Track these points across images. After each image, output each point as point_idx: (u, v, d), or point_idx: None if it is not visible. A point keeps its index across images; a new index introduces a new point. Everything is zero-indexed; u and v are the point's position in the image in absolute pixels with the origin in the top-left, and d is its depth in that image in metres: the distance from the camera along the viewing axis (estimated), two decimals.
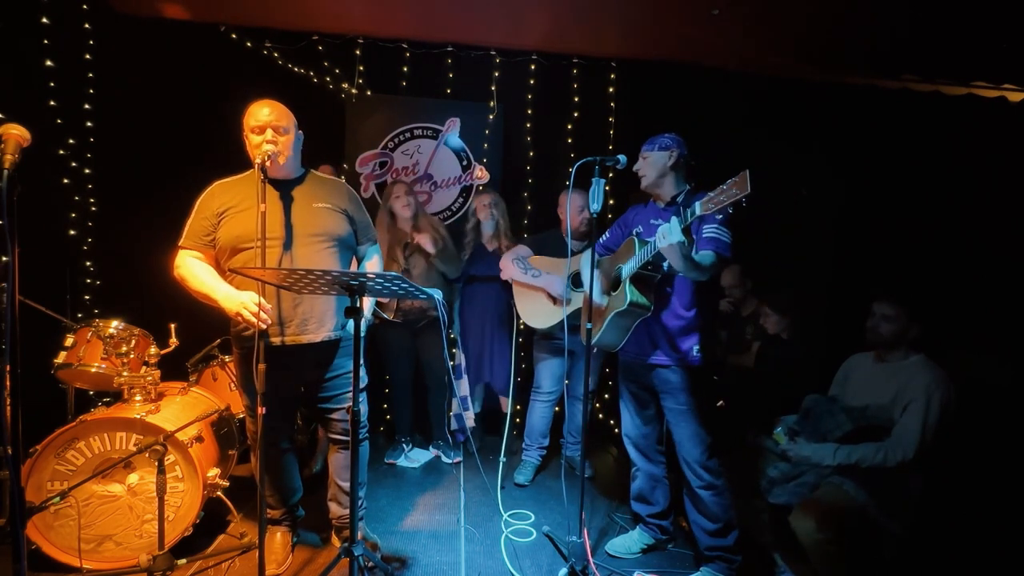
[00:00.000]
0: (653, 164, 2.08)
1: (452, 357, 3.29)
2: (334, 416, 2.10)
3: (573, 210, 2.82)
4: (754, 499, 2.28)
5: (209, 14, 3.19)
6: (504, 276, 2.89)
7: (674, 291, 2.07)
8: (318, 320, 1.97)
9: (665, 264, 1.98)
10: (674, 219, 1.74)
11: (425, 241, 2.90)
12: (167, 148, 3.18)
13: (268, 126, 1.87)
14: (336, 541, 2.29)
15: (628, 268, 2.01)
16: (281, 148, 1.89)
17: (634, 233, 2.17)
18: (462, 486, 2.85)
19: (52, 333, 2.37)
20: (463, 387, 3.23)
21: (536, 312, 2.85)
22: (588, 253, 2.05)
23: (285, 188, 1.96)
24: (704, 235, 1.95)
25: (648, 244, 1.89)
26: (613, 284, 2.13)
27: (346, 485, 2.14)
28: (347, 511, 2.13)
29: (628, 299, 1.96)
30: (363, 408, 2.11)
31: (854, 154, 3.73)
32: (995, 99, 3.79)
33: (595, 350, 2.89)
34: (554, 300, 2.78)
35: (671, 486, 2.35)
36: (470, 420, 3.21)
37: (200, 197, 1.97)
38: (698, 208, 1.70)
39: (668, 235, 1.72)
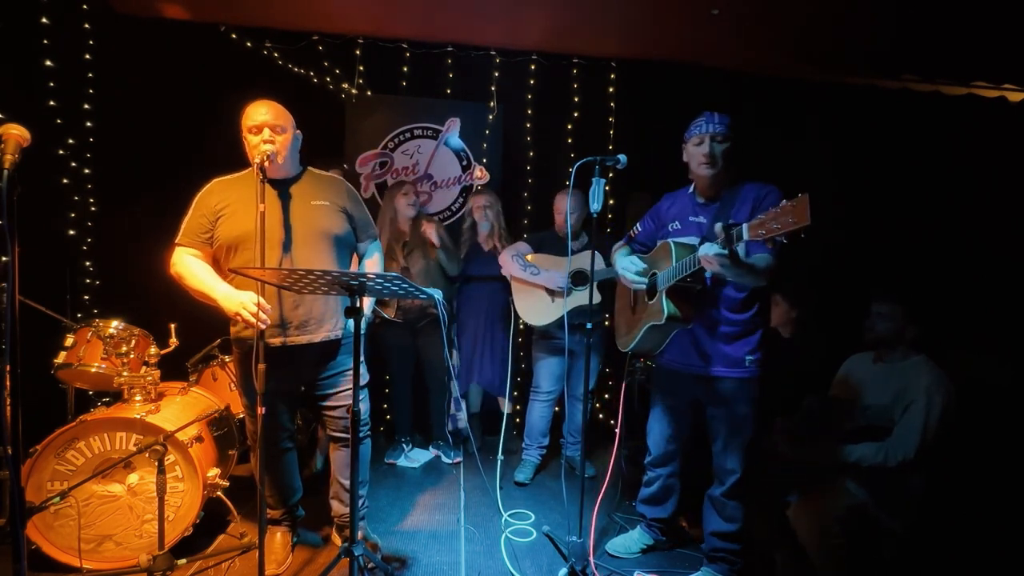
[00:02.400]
0: (726, 155, 1.88)
1: (451, 357, 3.29)
2: (334, 413, 2.10)
3: (564, 211, 2.85)
4: (755, 498, 2.28)
5: (209, 14, 3.19)
6: (504, 272, 2.93)
7: (721, 295, 1.91)
8: (318, 320, 1.97)
9: (708, 275, 1.82)
10: (714, 244, 1.59)
11: (431, 233, 2.90)
12: (167, 148, 3.18)
13: (266, 125, 1.87)
14: (337, 539, 2.29)
15: (665, 278, 1.86)
16: (279, 147, 1.88)
17: (670, 228, 2.04)
18: (462, 486, 2.85)
19: (52, 333, 2.37)
20: (457, 387, 3.23)
21: (534, 309, 2.86)
22: (588, 253, 2.04)
23: (283, 187, 1.96)
24: None
25: (690, 256, 1.73)
26: (649, 291, 2.00)
27: (348, 483, 2.14)
28: (348, 509, 2.13)
29: (666, 313, 1.82)
30: (364, 406, 2.11)
31: (854, 154, 3.73)
32: (995, 99, 3.80)
33: (601, 347, 2.89)
34: (552, 296, 2.79)
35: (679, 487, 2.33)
36: (462, 420, 3.22)
37: (198, 194, 1.97)
38: (745, 232, 1.50)
39: (711, 257, 1.59)
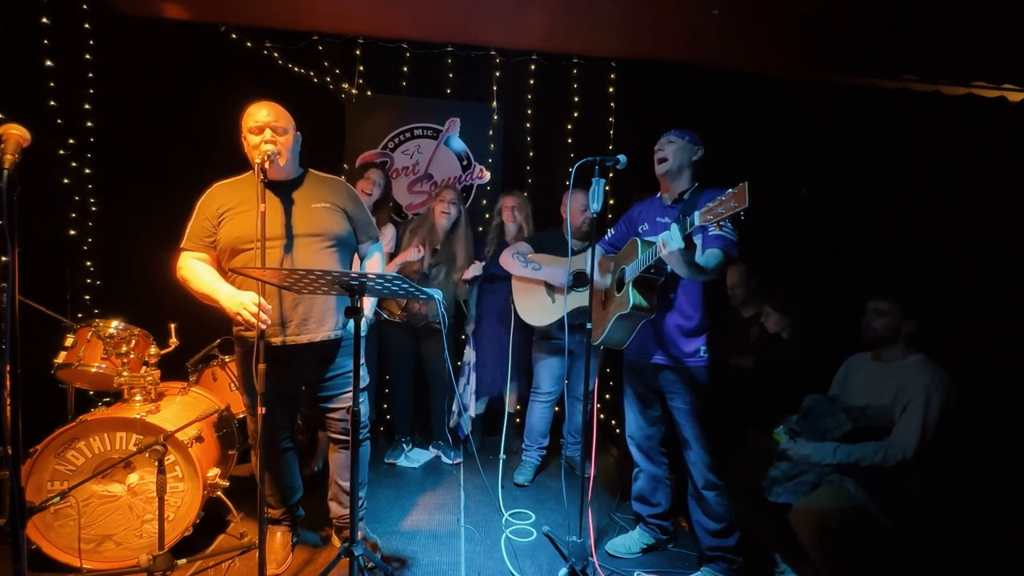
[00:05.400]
0: (680, 152, 2.06)
1: (462, 354, 3.29)
2: (335, 415, 2.10)
3: (575, 209, 2.83)
4: (754, 499, 2.28)
5: (209, 14, 3.19)
6: (505, 268, 2.92)
7: (680, 292, 2.06)
8: (318, 319, 1.97)
9: (669, 267, 1.97)
10: (675, 227, 1.73)
11: (471, 273, 3.00)
12: (167, 148, 3.18)
13: (267, 126, 1.87)
14: (337, 541, 2.29)
15: (631, 270, 2.00)
16: (280, 148, 1.89)
17: (639, 230, 2.17)
18: (462, 486, 2.85)
19: (52, 333, 2.37)
20: (469, 384, 3.22)
21: (534, 309, 2.85)
22: (589, 253, 2.05)
23: (284, 189, 1.96)
24: (711, 233, 1.94)
25: (651, 248, 1.88)
26: (617, 285, 2.13)
27: (347, 485, 2.14)
28: (348, 511, 2.13)
29: (631, 303, 1.95)
30: (364, 408, 2.11)
31: (854, 154, 3.73)
32: (995, 99, 3.80)
33: (601, 348, 2.90)
34: (553, 295, 2.78)
35: (672, 486, 2.35)
36: (465, 421, 3.22)
37: (200, 199, 1.98)
38: (697, 218, 1.69)
39: (669, 243, 1.72)
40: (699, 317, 2.05)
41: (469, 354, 3.23)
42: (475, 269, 3.02)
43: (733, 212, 1.56)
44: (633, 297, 1.96)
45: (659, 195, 2.20)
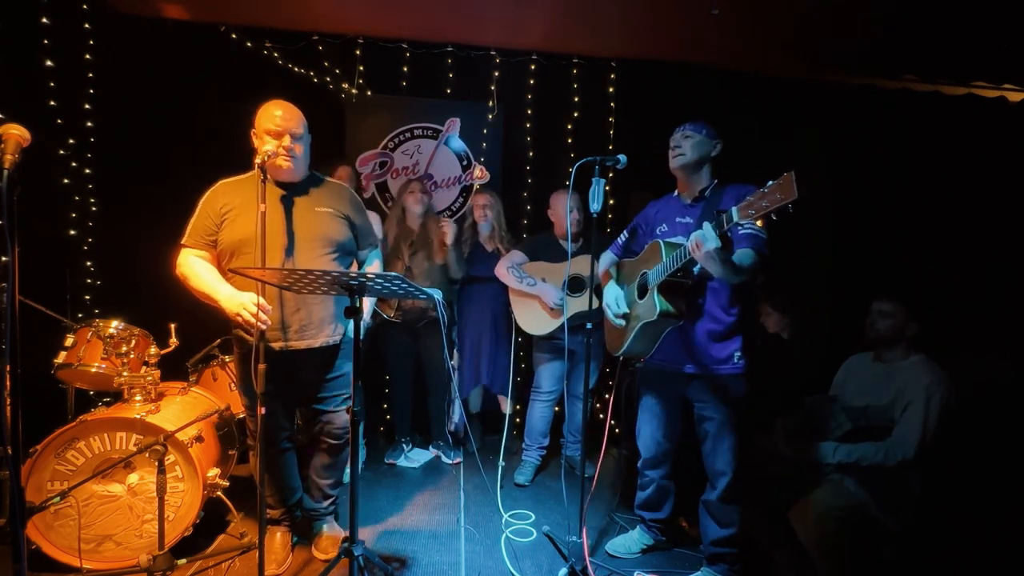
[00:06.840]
0: (697, 147, 1.95)
1: (451, 357, 3.29)
2: (325, 419, 2.11)
3: (564, 212, 2.80)
4: (754, 498, 2.28)
5: (209, 14, 3.19)
6: (502, 280, 2.92)
7: (709, 294, 1.94)
8: (317, 325, 1.97)
9: (696, 268, 1.86)
10: (708, 225, 1.60)
11: (448, 231, 2.88)
12: (167, 148, 3.18)
13: (287, 132, 1.88)
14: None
15: (656, 275, 1.88)
16: (298, 153, 1.91)
17: (657, 231, 2.08)
18: (462, 486, 2.85)
19: (52, 333, 2.37)
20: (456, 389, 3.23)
21: (534, 319, 2.85)
22: (587, 256, 2.03)
23: (289, 191, 1.96)
24: (740, 232, 1.82)
25: (679, 249, 1.76)
26: (639, 291, 2.02)
27: (323, 482, 2.21)
28: (320, 504, 2.24)
29: (658, 309, 1.83)
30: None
31: (854, 154, 3.73)
32: (995, 99, 3.80)
33: (622, 358, 2.90)
34: (551, 309, 2.78)
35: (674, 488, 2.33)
36: (455, 423, 3.22)
37: (204, 196, 1.97)
38: (735, 215, 1.55)
39: (705, 242, 1.59)
40: (730, 321, 1.94)
41: (456, 357, 3.24)
42: (450, 230, 2.89)
43: (780, 205, 1.42)
44: (659, 303, 1.84)
45: (676, 193, 2.10)
